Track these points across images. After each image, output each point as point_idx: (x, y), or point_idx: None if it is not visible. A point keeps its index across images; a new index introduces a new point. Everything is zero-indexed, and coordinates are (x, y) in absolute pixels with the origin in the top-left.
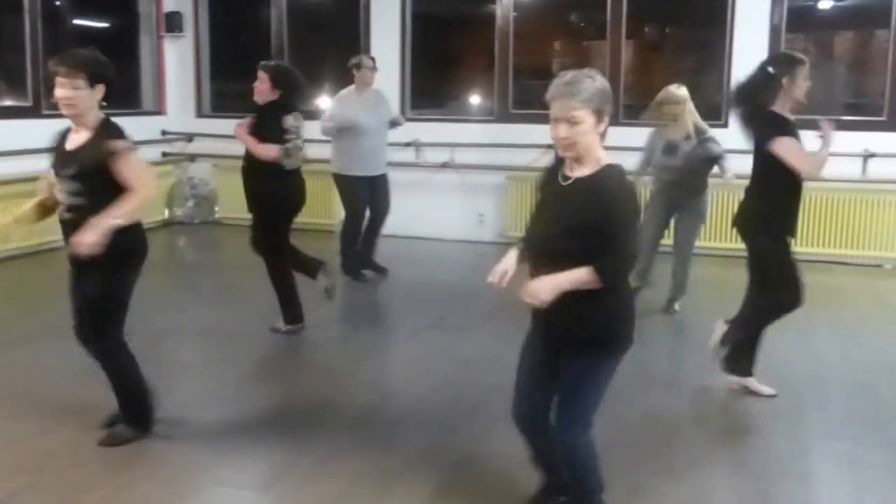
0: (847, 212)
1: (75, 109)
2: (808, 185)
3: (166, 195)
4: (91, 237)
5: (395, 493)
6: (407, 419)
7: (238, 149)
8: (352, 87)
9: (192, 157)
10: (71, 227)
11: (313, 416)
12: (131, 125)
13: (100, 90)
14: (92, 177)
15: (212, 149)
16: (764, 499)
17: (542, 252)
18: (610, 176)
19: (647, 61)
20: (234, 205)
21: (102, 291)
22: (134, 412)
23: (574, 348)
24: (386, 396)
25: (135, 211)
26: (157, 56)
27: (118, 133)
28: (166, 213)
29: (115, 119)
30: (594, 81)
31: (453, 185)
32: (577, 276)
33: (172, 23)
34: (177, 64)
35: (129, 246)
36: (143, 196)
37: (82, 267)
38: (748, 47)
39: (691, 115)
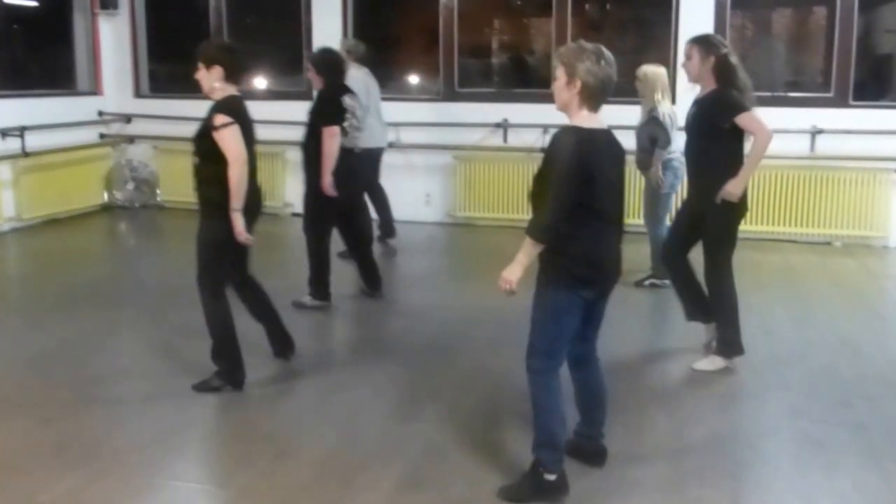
0: (796, 189)
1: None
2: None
3: (104, 178)
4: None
5: (359, 485)
6: (367, 406)
7: (179, 130)
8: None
9: (132, 139)
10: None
11: (271, 408)
12: (66, 106)
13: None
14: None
15: (152, 130)
16: (734, 482)
17: (529, 198)
18: (557, 133)
19: (590, 40)
20: (177, 188)
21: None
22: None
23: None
24: (345, 384)
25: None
26: (91, 34)
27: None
28: (105, 197)
29: (49, 99)
30: (581, 50)
31: (399, 165)
32: (522, 250)
33: None
34: (112, 42)
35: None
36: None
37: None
38: (694, 25)
39: (654, 94)
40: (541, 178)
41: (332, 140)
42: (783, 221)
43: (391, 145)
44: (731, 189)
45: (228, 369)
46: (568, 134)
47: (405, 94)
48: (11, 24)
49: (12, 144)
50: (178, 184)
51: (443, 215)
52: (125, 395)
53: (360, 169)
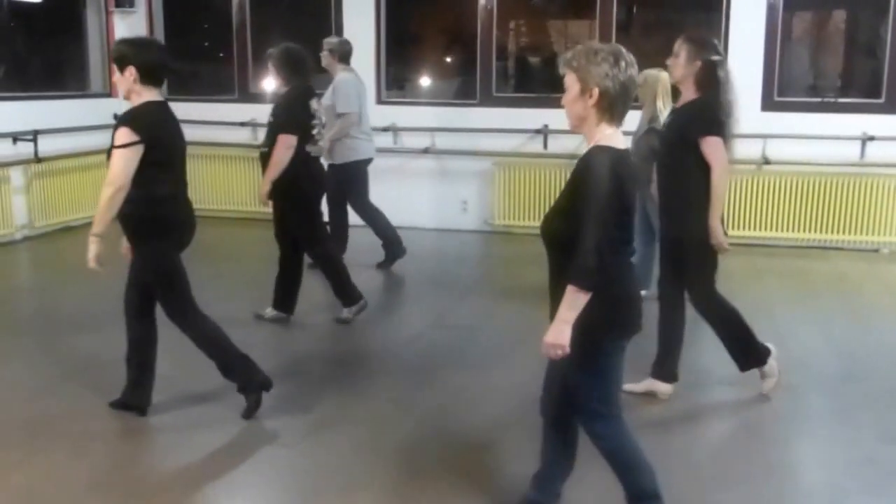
0: (844, 196)
1: None
2: (805, 170)
3: None
4: None
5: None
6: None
7: (205, 134)
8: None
9: None
10: None
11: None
12: (78, 109)
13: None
14: None
15: None
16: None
17: (542, 235)
18: (587, 156)
19: (635, 43)
20: (194, 194)
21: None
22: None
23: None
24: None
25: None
26: (105, 33)
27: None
28: None
29: (61, 102)
30: (593, 52)
31: (434, 172)
32: (566, 303)
33: None
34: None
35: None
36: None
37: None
38: (744, 27)
39: (656, 100)
40: (566, 213)
41: (285, 151)
42: (830, 228)
43: (426, 150)
44: (716, 240)
45: (248, 376)
46: (602, 156)
47: (441, 99)
48: (19, 22)
49: (23, 149)
50: (196, 189)
51: (480, 223)
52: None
53: (324, 177)
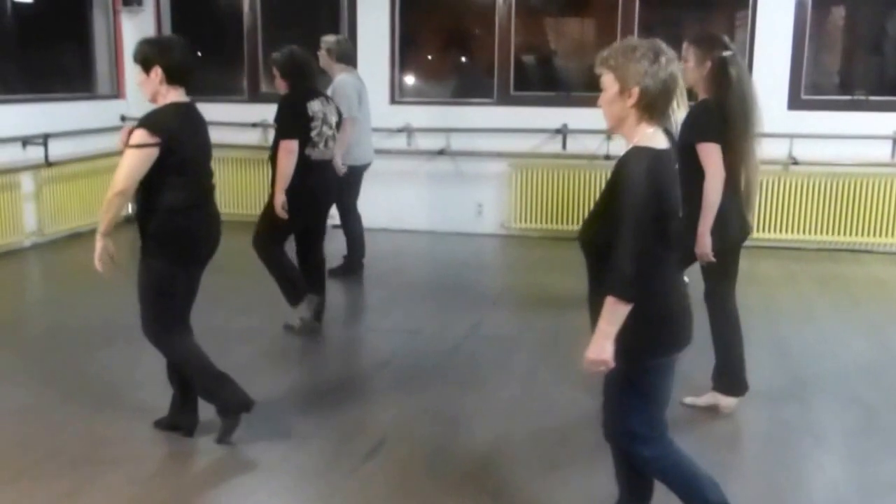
0: (875, 197)
1: None
2: (834, 171)
3: None
4: None
5: None
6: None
7: (214, 136)
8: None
9: None
10: None
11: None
12: (85, 111)
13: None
14: None
15: None
16: None
17: (580, 242)
18: (625, 158)
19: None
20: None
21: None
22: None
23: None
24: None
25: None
26: (113, 32)
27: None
28: (130, 209)
29: (67, 104)
30: (631, 50)
31: (448, 174)
32: (605, 317)
33: None
34: (136, 41)
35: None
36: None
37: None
38: (772, 24)
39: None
40: (604, 218)
41: (288, 156)
42: (860, 231)
43: (441, 152)
44: (701, 251)
45: (227, 398)
46: (640, 159)
47: (456, 98)
48: (23, 22)
49: (32, 154)
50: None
51: (496, 227)
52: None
53: (331, 184)
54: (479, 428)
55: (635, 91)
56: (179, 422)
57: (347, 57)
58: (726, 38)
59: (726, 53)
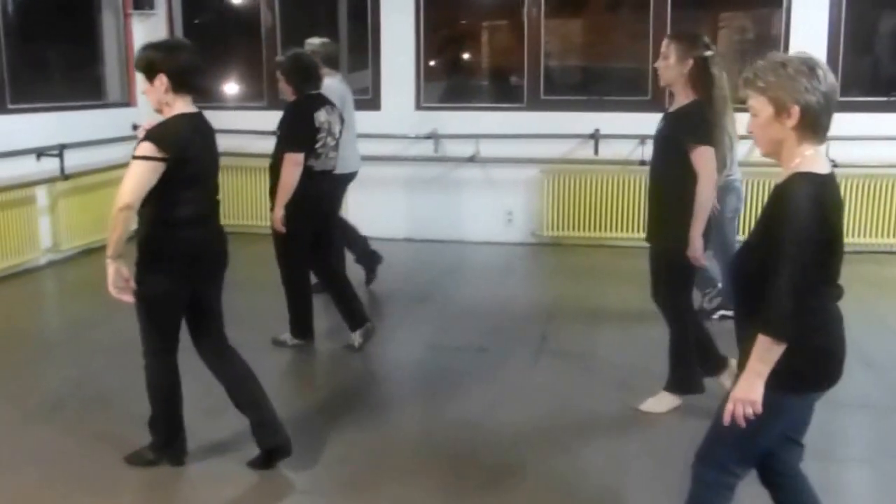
0: (891, 198)
1: None
2: (873, 172)
3: None
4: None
5: None
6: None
7: (232, 144)
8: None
9: None
10: None
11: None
12: (96, 120)
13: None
14: None
15: None
16: None
17: (731, 273)
18: (787, 185)
19: None
20: (224, 208)
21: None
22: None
23: None
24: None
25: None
26: (123, 37)
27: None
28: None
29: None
30: (781, 66)
31: (478, 181)
32: (758, 356)
33: None
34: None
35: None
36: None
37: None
38: (807, 24)
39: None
40: (759, 249)
41: (293, 169)
42: (881, 232)
43: (471, 159)
44: (691, 255)
45: (166, 441)
46: (804, 186)
47: (485, 103)
48: (29, 27)
49: (47, 166)
50: (225, 203)
51: (526, 235)
52: None
53: (333, 194)
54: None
55: (795, 111)
56: (265, 444)
57: (333, 61)
58: (707, 38)
59: (708, 53)
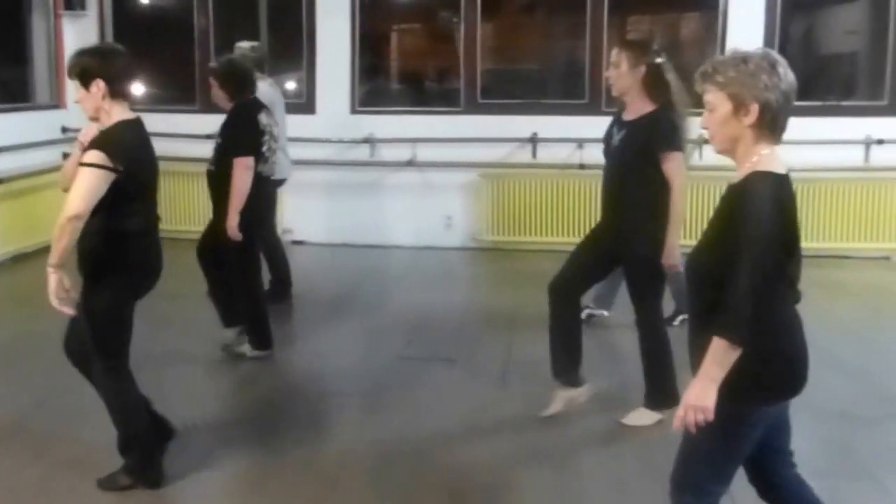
0: (850, 203)
1: None
2: (808, 176)
3: None
4: None
5: None
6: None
7: (159, 147)
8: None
9: None
10: None
11: None
12: (23, 122)
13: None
14: None
15: None
16: None
17: (686, 272)
18: (746, 185)
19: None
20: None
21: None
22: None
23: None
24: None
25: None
26: (53, 38)
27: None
28: None
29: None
30: (742, 61)
31: (415, 185)
32: (713, 359)
33: None
34: (78, 48)
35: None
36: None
37: None
38: (743, 30)
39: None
40: (715, 248)
41: (245, 173)
42: (838, 237)
43: (409, 163)
44: (669, 262)
45: (140, 464)
46: (763, 185)
47: (421, 107)
48: None
49: None
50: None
51: (466, 239)
52: None
53: (272, 200)
54: None
55: (754, 108)
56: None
57: (262, 65)
58: (657, 45)
59: (660, 60)
